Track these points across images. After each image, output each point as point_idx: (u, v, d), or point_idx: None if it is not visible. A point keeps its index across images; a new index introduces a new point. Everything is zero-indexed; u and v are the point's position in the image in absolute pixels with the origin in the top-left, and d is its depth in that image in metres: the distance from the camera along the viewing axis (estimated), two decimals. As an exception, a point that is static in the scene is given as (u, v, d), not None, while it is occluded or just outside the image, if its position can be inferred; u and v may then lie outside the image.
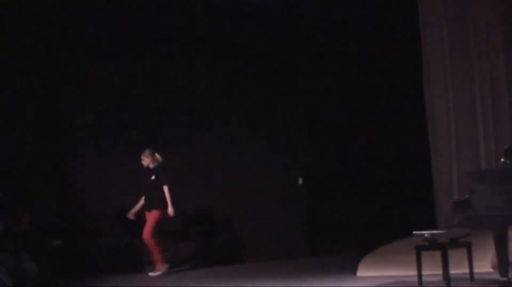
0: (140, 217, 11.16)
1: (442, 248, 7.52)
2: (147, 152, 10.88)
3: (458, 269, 7.85)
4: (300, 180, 12.11)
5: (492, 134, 11.29)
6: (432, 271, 7.90)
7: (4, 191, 9.05)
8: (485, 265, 8.31)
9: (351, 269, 9.17)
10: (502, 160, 7.52)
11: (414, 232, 7.81)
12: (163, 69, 12.08)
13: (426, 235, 7.62)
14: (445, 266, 7.48)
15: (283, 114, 12.28)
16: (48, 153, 11.57)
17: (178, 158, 11.90)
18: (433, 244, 7.61)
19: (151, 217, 10.71)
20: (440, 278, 7.68)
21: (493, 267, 8.15)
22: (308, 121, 12.37)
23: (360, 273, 9.01)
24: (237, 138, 12.14)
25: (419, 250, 7.68)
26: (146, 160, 10.86)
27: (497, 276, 7.04)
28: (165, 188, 10.69)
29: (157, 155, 10.92)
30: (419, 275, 7.64)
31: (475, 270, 7.76)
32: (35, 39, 11.52)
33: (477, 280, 7.63)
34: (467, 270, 7.70)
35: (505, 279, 6.87)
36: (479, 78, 11.41)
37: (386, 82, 12.38)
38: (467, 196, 7.21)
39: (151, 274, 10.56)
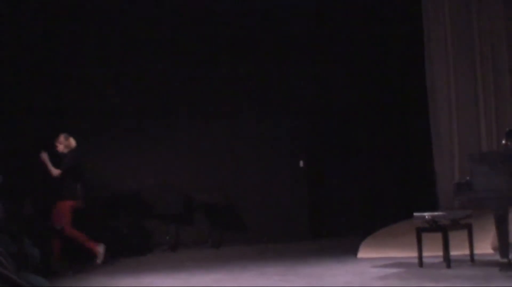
0: (145, 203, 11.26)
1: (443, 229, 7.54)
2: (61, 137, 10.00)
3: (458, 251, 7.89)
4: (302, 163, 12.12)
5: (494, 117, 11.28)
6: (432, 252, 7.94)
7: (6, 175, 9.05)
8: (485, 247, 8.34)
9: (352, 251, 9.20)
10: (503, 142, 7.50)
11: (415, 213, 7.82)
12: (167, 55, 12.07)
13: (426, 216, 7.64)
14: (446, 247, 7.51)
15: (284, 97, 12.29)
16: (52, 137, 11.59)
17: (180, 142, 11.94)
18: (433, 226, 7.64)
19: (63, 207, 9.72)
20: (440, 259, 7.72)
21: (494, 249, 8.18)
22: (310, 104, 12.38)
23: (360, 255, 9.04)
24: (239, 121, 12.17)
25: (419, 232, 7.70)
26: (60, 147, 9.99)
27: (497, 257, 7.04)
28: (54, 171, 9.72)
29: (71, 140, 10.03)
30: (420, 257, 7.67)
31: (476, 251, 7.79)
32: (42, 35, 11.55)
33: (478, 262, 7.65)
34: (467, 252, 7.73)
35: (505, 260, 6.88)
36: (480, 61, 11.39)
37: (388, 67, 12.37)
38: (468, 178, 7.21)
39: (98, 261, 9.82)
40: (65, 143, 9.97)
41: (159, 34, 12.04)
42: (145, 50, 12.02)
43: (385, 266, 8.01)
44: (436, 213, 7.87)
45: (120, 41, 11.96)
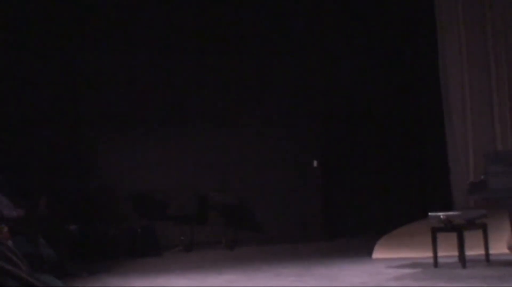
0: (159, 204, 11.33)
1: (458, 229, 7.50)
2: None
3: (473, 251, 7.83)
4: (315, 163, 12.10)
5: (508, 116, 11.21)
6: (447, 252, 7.89)
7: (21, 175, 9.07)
8: (501, 247, 8.28)
9: (367, 252, 9.17)
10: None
11: (430, 213, 7.79)
12: (181, 57, 12.08)
13: (441, 216, 7.61)
14: (461, 247, 7.46)
15: (298, 97, 12.28)
16: (66, 138, 11.65)
17: (195, 142, 11.95)
18: (448, 226, 7.59)
19: None
20: (455, 259, 7.67)
21: (509, 248, 8.14)
22: (323, 103, 12.36)
23: (375, 255, 9.00)
24: (253, 122, 12.17)
25: (434, 232, 7.67)
26: None
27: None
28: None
29: None
30: (435, 257, 7.63)
31: (491, 251, 7.74)
32: (55, 33, 11.60)
33: (493, 262, 7.61)
34: (482, 252, 7.68)
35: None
36: (495, 59, 11.31)
37: (401, 65, 12.33)
38: (482, 177, 7.17)
39: None
40: None
41: (176, 37, 12.04)
42: (161, 52, 12.03)
43: (400, 266, 7.98)
44: (451, 213, 7.84)
45: (137, 43, 11.97)
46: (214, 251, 11.32)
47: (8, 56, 10.95)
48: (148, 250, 11.12)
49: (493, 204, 8.90)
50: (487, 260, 7.64)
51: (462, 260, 7.44)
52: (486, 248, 7.66)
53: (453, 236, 7.56)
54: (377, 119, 12.44)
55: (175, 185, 11.76)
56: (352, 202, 12.18)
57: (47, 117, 11.37)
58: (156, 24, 12.00)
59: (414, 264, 8.02)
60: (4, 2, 10.78)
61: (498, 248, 8.18)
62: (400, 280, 7.00)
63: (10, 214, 8.12)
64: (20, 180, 8.93)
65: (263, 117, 12.23)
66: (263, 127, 12.20)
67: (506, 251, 8.20)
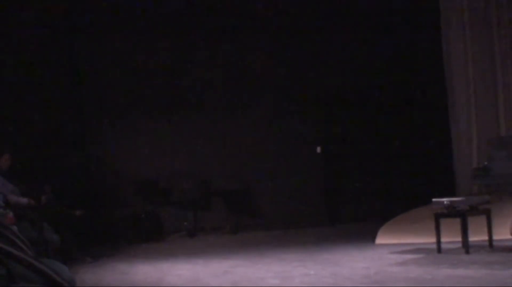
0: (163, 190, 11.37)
1: (461, 215, 7.50)
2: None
3: (477, 236, 7.83)
4: (319, 149, 12.10)
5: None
6: (451, 238, 7.90)
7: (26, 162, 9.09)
8: (504, 232, 8.26)
9: (370, 237, 9.19)
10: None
11: (433, 199, 7.79)
12: (184, 44, 12.06)
13: (445, 202, 7.60)
14: (464, 233, 7.46)
15: (302, 84, 12.27)
16: (69, 123, 11.66)
17: (198, 128, 11.97)
18: (452, 211, 7.59)
19: None
20: (459, 245, 7.68)
21: (513, 234, 8.13)
22: (327, 90, 12.34)
23: (379, 241, 9.02)
24: (257, 108, 12.17)
25: (438, 218, 7.66)
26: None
27: (516, 243, 7.01)
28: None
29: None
30: (438, 243, 7.64)
31: (494, 237, 7.74)
32: (57, 14, 11.59)
33: (496, 247, 7.61)
34: (486, 237, 7.68)
35: (524, 246, 6.84)
36: (499, 45, 11.27)
37: (405, 53, 12.29)
38: (486, 163, 7.16)
39: None
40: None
41: (181, 22, 12.01)
42: (165, 37, 12.01)
43: (403, 252, 7.99)
44: (454, 199, 7.83)
45: (138, 31, 11.94)
46: (217, 236, 11.36)
47: (9, 41, 10.94)
48: (152, 235, 11.17)
49: (496, 190, 8.91)
50: (491, 245, 7.65)
51: (466, 245, 7.44)
52: (490, 234, 7.67)
53: (457, 222, 7.55)
54: (382, 105, 12.42)
55: (178, 171, 11.79)
56: (356, 188, 12.19)
57: (51, 104, 11.37)
58: (159, 9, 11.97)
59: (417, 250, 8.03)
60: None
61: (502, 234, 8.16)
62: (403, 266, 7.01)
63: (20, 201, 8.16)
64: (24, 167, 8.94)
65: (266, 104, 12.22)
66: (267, 113, 12.19)
67: (509, 236, 8.18)
